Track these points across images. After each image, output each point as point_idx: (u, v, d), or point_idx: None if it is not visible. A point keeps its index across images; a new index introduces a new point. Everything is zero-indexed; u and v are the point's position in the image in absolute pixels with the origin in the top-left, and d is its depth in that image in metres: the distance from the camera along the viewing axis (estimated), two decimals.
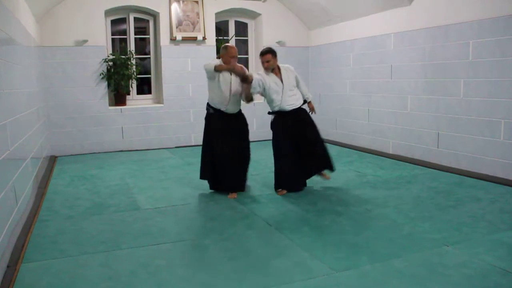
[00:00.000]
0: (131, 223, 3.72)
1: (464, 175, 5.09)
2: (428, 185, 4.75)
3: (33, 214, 3.91)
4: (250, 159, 4.68)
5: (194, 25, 7.54)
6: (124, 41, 7.63)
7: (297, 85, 4.63)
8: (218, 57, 4.66)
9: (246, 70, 4.50)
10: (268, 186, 4.87)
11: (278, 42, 8.14)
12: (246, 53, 8.52)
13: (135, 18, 7.59)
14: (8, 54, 3.61)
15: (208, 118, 4.61)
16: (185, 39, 7.49)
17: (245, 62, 8.54)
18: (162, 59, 7.45)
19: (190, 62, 7.60)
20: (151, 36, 7.76)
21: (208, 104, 4.61)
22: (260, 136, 8.10)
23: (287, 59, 8.32)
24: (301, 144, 4.52)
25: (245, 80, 4.34)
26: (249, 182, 5.08)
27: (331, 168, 4.67)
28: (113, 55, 7.19)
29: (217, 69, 4.33)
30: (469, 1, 5.07)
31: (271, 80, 4.46)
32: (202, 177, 4.66)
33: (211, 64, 4.35)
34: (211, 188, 4.68)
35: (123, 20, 7.67)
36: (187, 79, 7.62)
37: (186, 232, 3.50)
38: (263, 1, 7.95)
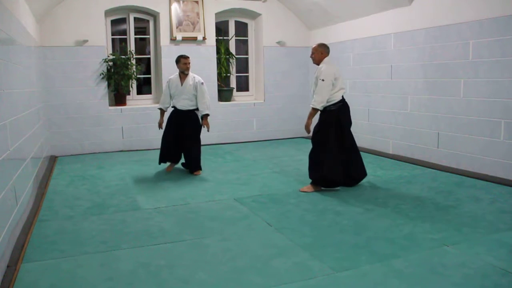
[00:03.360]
0: (131, 223, 3.72)
1: (464, 175, 5.09)
2: (428, 185, 4.75)
3: (33, 214, 3.91)
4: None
5: (194, 25, 7.54)
6: (124, 41, 7.63)
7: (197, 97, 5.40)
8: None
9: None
10: (268, 186, 4.87)
11: (278, 42, 8.15)
12: (246, 53, 8.52)
13: (135, 18, 7.59)
14: (8, 54, 3.61)
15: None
16: (185, 39, 7.49)
17: (245, 62, 8.55)
18: (162, 59, 7.46)
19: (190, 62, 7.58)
20: (151, 36, 7.76)
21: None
22: (260, 136, 8.12)
23: (287, 59, 8.36)
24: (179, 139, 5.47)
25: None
26: (249, 182, 5.09)
27: (193, 169, 5.49)
28: (113, 55, 7.19)
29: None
30: (469, 1, 5.08)
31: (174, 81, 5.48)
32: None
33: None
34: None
35: (123, 20, 7.67)
36: None
37: (186, 232, 3.50)
38: (263, 1, 7.95)
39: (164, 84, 5.64)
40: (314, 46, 4.66)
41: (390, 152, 6.48)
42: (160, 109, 5.61)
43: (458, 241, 3.17)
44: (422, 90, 5.85)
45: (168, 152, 5.54)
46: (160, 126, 5.63)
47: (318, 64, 4.62)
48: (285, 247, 3.14)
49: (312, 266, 2.82)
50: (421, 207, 4.01)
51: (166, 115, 5.68)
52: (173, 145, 5.49)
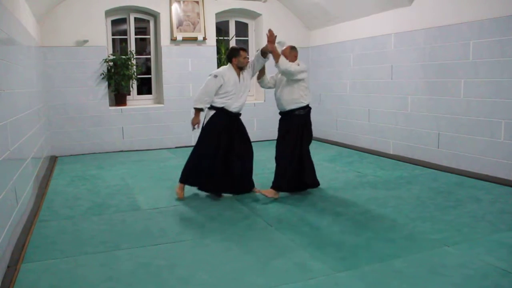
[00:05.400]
0: (131, 223, 3.72)
1: (464, 176, 5.09)
2: (428, 186, 4.75)
3: (33, 214, 3.91)
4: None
5: (194, 25, 7.54)
6: (124, 41, 7.64)
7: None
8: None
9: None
10: (268, 186, 4.85)
11: (278, 42, 8.05)
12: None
13: (135, 19, 7.59)
14: (8, 54, 3.61)
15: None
16: (186, 39, 7.49)
17: None
18: (163, 59, 7.46)
19: (190, 62, 7.60)
20: (151, 36, 7.76)
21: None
22: (260, 136, 8.11)
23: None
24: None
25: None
26: None
27: (248, 185, 4.51)
28: (113, 56, 7.19)
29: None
30: (470, 1, 5.07)
31: (231, 76, 4.42)
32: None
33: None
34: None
35: (123, 20, 7.68)
36: (187, 79, 7.62)
37: (186, 232, 3.50)
38: (264, 2, 7.95)
39: (210, 80, 4.37)
40: (284, 48, 4.64)
41: (391, 152, 6.47)
42: (199, 109, 4.46)
43: (458, 242, 3.17)
44: (422, 90, 5.85)
45: (222, 177, 4.37)
46: (195, 125, 4.50)
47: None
48: (285, 247, 3.14)
49: (312, 266, 2.82)
50: (421, 207, 4.01)
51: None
52: (223, 167, 4.38)
